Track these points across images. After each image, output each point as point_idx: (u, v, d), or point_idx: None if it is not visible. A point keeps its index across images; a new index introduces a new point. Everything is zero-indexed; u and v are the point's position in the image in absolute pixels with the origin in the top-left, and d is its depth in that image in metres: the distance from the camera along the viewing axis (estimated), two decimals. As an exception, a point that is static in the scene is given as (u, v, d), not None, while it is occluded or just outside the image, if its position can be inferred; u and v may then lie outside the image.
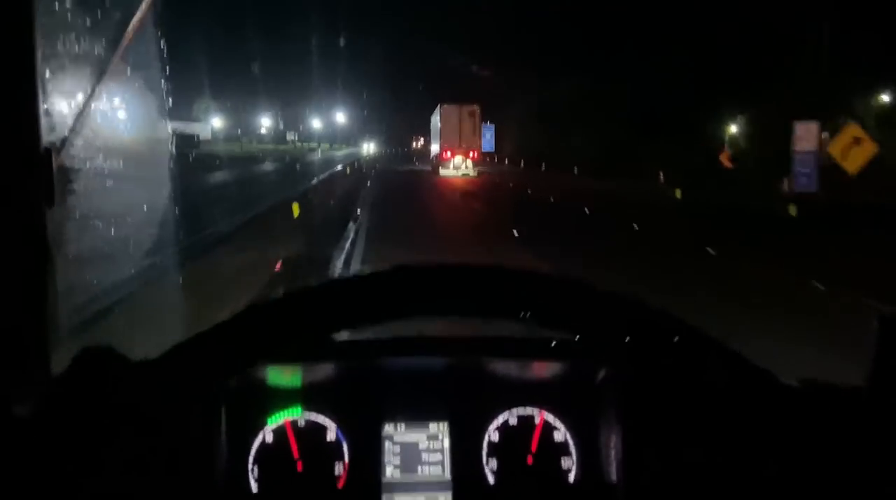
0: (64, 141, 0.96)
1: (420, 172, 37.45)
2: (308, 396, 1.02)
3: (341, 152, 55.70)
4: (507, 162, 50.40)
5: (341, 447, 1.01)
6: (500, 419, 1.04)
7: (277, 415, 1.01)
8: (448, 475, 1.01)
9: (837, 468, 0.82)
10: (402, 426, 1.03)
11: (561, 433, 1.03)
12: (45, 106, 0.96)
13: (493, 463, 1.02)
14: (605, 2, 41.80)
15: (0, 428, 0.70)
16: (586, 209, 16.08)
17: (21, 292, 0.87)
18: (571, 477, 1.02)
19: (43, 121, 0.93)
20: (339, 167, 23.78)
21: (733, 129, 25.93)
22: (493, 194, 21.56)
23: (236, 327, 0.66)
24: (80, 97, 1.04)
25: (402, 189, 24.59)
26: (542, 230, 12.23)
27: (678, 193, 19.92)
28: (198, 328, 0.69)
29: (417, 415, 1.03)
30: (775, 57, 21.10)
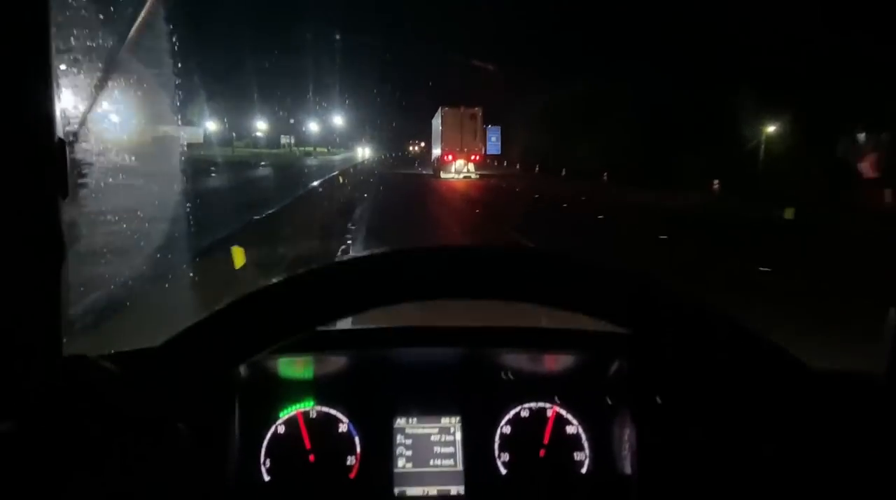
0: (76, 134, 1.00)
1: (423, 177, 36.79)
2: (320, 388, 1.05)
3: (339, 156, 55.64)
4: (518, 166, 48.38)
5: (353, 438, 1.03)
6: (512, 413, 1.06)
7: (290, 407, 1.04)
8: (460, 466, 1.03)
9: (859, 456, 0.86)
10: (415, 419, 1.05)
11: (573, 427, 1.06)
12: (59, 99, 1.01)
13: (506, 456, 1.04)
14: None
15: (11, 418, 0.73)
16: (664, 236, 11.24)
17: (35, 283, 0.90)
18: (584, 469, 1.04)
19: (57, 113, 0.97)
20: (336, 172, 22.63)
21: (770, 130, 24.21)
22: (514, 209, 17.51)
23: (237, 314, 0.69)
24: (91, 91, 1.08)
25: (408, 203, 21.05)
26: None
27: (789, 214, 14.67)
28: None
29: (429, 409, 1.06)
30: (814, 56, 19.60)
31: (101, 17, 1.10)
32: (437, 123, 36.83)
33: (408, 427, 1.05)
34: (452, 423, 1.06)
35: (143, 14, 1.13)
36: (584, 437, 1.06)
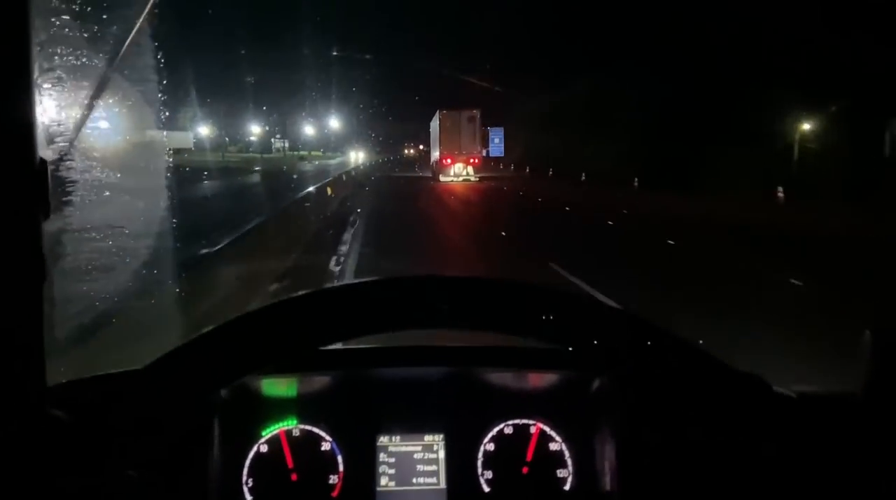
0: (64, 154, 1.03)
1: (421, 182, 36.12)
2: (303, 406, 1.08)
3: (336, 160, 55.51)
4: (527, 170, 46.08)
5: (336, 457, 1.05)
6: (495, 430, 1.09)
7: (272, 426, 1.06)
8: (443, 484, 1.06)
9: (833, 475, 0.89)
10: (398, 437, 1.08)
11: (557, 444, 1.08)
12: (42, 119, 1.04)
13: (489, 473, 1.06)
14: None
15: None
16: (797, 281, 7.46)
17: (16, 304, 0.93)
18: (567, 486, 1.07)
19: (39, 132, 1.00)
20: (329, 179, 20.92)
21: (805, 127, 22.99)
22: (544, 229, 14.49)
23: (225, 337, 0.72)
24: (77, 109, 1.12)
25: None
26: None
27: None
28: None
29: (413, 427, 1.08)
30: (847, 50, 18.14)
31: (86, 35, 1.14)
32: (434, 125, 36.98)
33: (391, 445, 1.07)
34: (436, 441, 1.08)
35: (132, 33, 1.16)
36: (567, 454, 1.08)
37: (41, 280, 0.94)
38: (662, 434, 0.94)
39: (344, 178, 25.63)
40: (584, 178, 33.68)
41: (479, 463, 1.08)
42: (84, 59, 1.14)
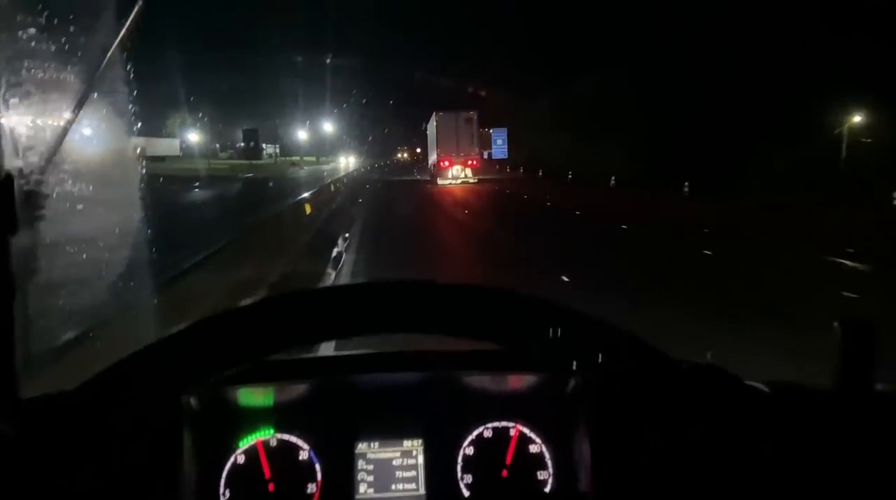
0: (41, 172, 1.07)
1: (418, 185, 35.53)
2: (280, 416, 1.10)
3: (330, 166, 55.27)
4: (540, 173, 42.17)
5: (314, 466, 1.08)
6: (474, 434, 1.11)
7: (249, 436, 1.08)
8: (423, 490, 1.08)
9: (806, 467, 0.93)
10: (376, 443, 1.10)
11: (536, 445, 1.11)
12: (6, 135, 1.07)
13: (469, 477, 1.09)
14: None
15: None
16: None
17: None
18: (547, 488, 1.09)
19: (4, 147, 1.03)
20: (315, 189, 17.95)
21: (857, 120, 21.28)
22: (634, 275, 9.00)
23: (185, 340, 0.75)
24: (48, 122, 1.15)
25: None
26: None
27: None
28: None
29: (391, 433, 1.11)
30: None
31: (53, 48, 1.17)
32: (431, 128, 37.16)
33: (369, 452, 1.10)
34: (415, 446, 1.10)
35: (113, 47, 1.19)
36: (547, 455, 1.10)
37: (11, 296, 0.97)
38: (632, 433, 0.97)
39: (332, 189, 21.84)
40: (613, 182, 29.66)
41: (459, 468, 1.10)
42: (54, 75, 1.18)
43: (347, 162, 59.71)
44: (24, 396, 0.94)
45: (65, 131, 1.16)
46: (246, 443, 1.09)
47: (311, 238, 12.03)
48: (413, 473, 1.10)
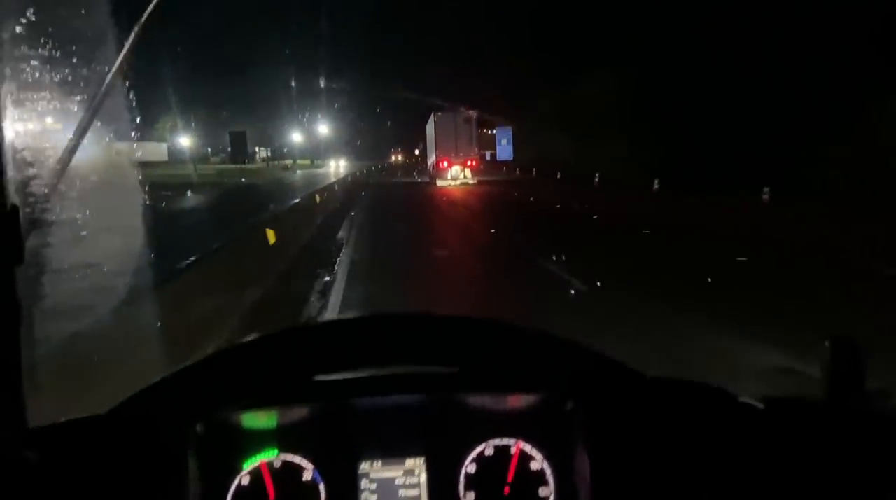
0: (47, 197, 1.12)
1: (417, 188, 34.67)
2: (284, 437, 1.14)
3: (322, 170, 54.87)
4: (558, 176, 37.65)
5: (317, 486, 1.12)
6: (476, 451, 1.16)
7: (253, 458, 1.13)
8: None
9: (802, 482, 0.99)
10: (379, 462, 1.15)
11: (538, 462, 1.15)
12: (8, 166, 1.12)
13: (471, 495, 1.14)
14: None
15: None
16: None
17: None
18: None
19: (10, 178, 1.08)
20: (296, 200, 15.68)
21: None
22: None
23: (198, 373, 0.80)
24: (48, 150, 1.21)
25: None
26: None
27: None
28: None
29: (394, 451, 1.15)
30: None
31: (57, 77, 1.23)
32: (430, 128, 37.37)
33: (372, 472, 1.14)
34: (417, 464, 1.15)
35: (109, 77, 1.24)
36: (548, 472, 1.15)
37: (17, 325, 1.02)
38: (633, 452, 1.03)
39: (317, 199, 18.90)
40: (657, 186, 24.67)
41: (461, 485, 1.15)
42: (56, 104, 1.23)
43: (338, 165, 59.17)
44: (31, 423, 0.99)
45: (70, 155, 1.21)
46: (250, 465, 1.13)
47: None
48: (416, 492, 1.15)
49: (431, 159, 37.38)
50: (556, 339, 0.88)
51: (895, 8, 17.67)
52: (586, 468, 1.09)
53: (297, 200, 16.80)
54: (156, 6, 1.28)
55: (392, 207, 24.66)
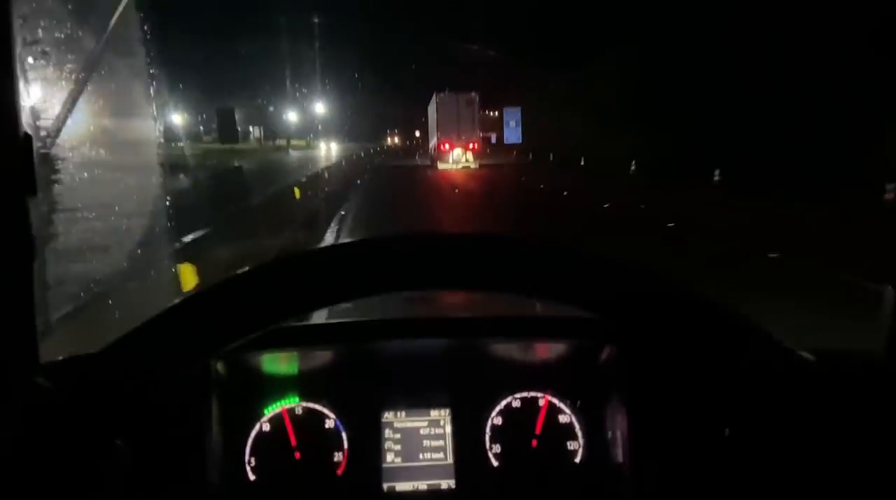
0: (56, 131, 1.11)
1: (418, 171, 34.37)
2: (305, 384, 1.13)
3: (317, 152, 54.68)
4: (581, 164, 32.02)
5: (340, 434, 1.12)
6: (503, 403, 1.15)
7: (274, 404, 1.12)
8: (450, 459, 1.12)
9: (855, 441, 0.96)
10: (403, 412, 1.14)
11: (566, 415, 1.15)
12: (25, 93, 1.11)
13: (497, 447, 1.13)
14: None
15: None
16: None
17: (6, 285, 1.00)
18: (577, 458, 1.13)
19: (23, 107, 1.07)
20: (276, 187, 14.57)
21: None
22: None
23: (202, 305, 0.77)
24: (64, 84, 1.20)
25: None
26: None
27: None
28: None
29: (418, 402, 1.14)
30: None
31: (70, 6, 1.22)
32: (431, 110, 37.14)
33: (396, 421, 1.14)
34: (442, 415, 1.14)
35: (121, 7, 1.23)
36: (577, 426, 1.14)
37: (31, 259, 1.02)
38: (675, 403, 1.01)
39: (307, 192, 17.73)
40: (718, 177, 19.38)
41: (487, 437, 1.14)
42: (68, 32, 1.22)
43: (331, 147, 58.68)
44: (43, 360, 0.99)
45: (77, 93, 1.20)
46: (271, 411, 1.12)
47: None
48: (441, 442, 1.14)
49: (433, 142, 37.19)
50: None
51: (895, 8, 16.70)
52: (621, 421, 1.08)
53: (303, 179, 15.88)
54: None
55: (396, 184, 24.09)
